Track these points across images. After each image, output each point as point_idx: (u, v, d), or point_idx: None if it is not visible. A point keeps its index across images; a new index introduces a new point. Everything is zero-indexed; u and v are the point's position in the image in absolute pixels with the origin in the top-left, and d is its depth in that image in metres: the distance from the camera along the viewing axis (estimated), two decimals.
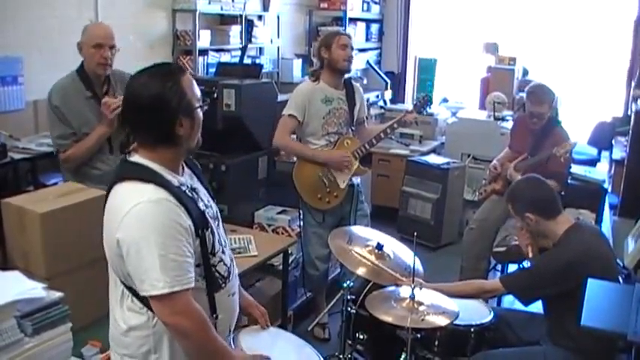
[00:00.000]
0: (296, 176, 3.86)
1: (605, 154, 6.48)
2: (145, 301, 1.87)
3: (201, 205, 1.98)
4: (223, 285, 2.03)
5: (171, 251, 1.80)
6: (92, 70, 3.28)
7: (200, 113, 1.96)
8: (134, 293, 1.89)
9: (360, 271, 2.83)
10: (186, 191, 1.94)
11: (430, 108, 4.14)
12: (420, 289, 2.65)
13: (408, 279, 2.71)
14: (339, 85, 3.84)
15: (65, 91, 3.25)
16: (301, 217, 4.00)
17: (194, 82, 1.96)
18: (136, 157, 1.94)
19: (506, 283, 2.83)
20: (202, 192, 2.06)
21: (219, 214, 2.12)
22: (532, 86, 4.20)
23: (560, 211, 2.87)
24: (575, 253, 2.69)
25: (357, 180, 3.96)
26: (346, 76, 3.87)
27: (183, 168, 2.02)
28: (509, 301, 4.60)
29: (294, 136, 3.93)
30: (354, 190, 3.93)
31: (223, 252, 2.04)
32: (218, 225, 2.07)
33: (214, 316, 1.98)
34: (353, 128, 3.93)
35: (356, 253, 2.91)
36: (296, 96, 3.83)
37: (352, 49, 3.79)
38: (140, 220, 1.80)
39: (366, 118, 4.12)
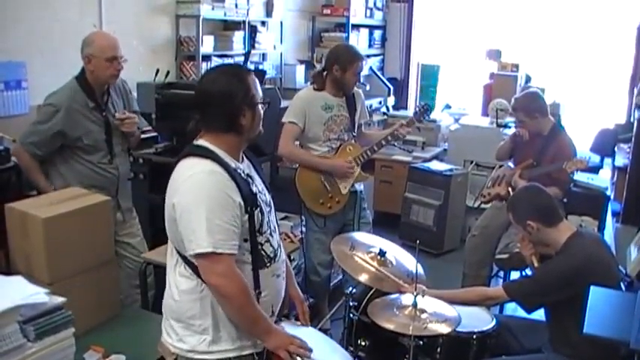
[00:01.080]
0: (298, 181, 3.86)
1: (607, 161, 6.47)
2: (194, 268, 2.07)
3: (254, 188, 2.18)
4: (268, 264, 2.20)
5: (219, 217, 1.99)
6: (101, 81, 3.29)
7: (261, 109, 2.19)
8: (186, 261, 2.09)
9: (363, 277, 2.83)
10: (242, 174, 2.14)
11: (429, 116, 4.11)
12: (423, 295, 2.65)
13: (411, 286, 2.71)
14: (339, 93, 3.84)
15: (69, 105, 3.24)
16: (303, 223, 4.00)
17: (257, 82, 2.20)
18: (201, 141, 2.16)
19: (510, 291, 2.83)
20: (258, 180, 2.27)
21: (272, 203, 2.32)
22: (516, 96, 4.37)
23: (562, 219, 2.87)
24: (578, 260, 2.69)
25: (359, 187, 3.96)
26: (361, 80, 3.89)
27: (243, 158, 2.24)
28: (512, 308, 4.59)
29: (298, 142, 3.93)
30: (357, 197, 3.93)
31: (271, 235, 2.22)
32: (270, 211, 2.26)
33: (257, 292, 2.15)
34: (354, 134, 3.92)
35: (358, 259, 2.91)
36: (295, 102, 3.85)
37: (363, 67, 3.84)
38: (193, 186, 2.03)
39: (369, 124, 4.11)
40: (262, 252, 2.17)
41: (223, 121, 2.13)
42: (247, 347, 2.16)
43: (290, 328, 2.33)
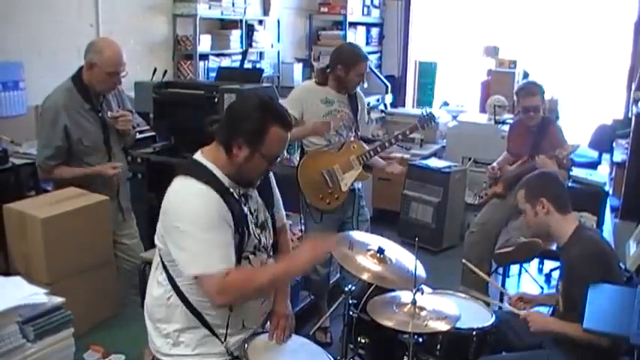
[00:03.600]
0: (300, 173, 3.85)
1: (606, 156, 6.48)
2: (169, 275, 2.11)
3: (245, 209, 2.17)
4: None
5: (210, 237, 2.00)
6: (96, 90, 3.27)
7: (262, 162, 2.11)
8: (164, 266, 2.13)
9: (362, 275, 2.82)
10: (234, 194, 2.13)
11: (434, 125, 4.10)
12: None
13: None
14: (341, 91, 3.83)
15: (66, 106, 3.23)
16: (302, 221, 3.99)
17: (284, 143, 2.14)
18: (199, 155, 2.16)
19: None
20: (255, 200, 2.25)
21: (268, 222, 2.31)
22: (520, 84, 4.37)
23: (571, 211, 2.86)
24: (597, 247, 2.71)
25: (358, 185, 3.95)
26: None
27: None
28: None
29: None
30: (356, 195, 3.93)
31: (254, 254, 2.21)
32: (262, 232, 2.26)
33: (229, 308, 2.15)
34: (357, 132, 3.91)
35: (357, 257, 2.90)
36: (293, 92, 3.90)
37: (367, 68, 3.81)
38: (182, 209, 2.03)
39: (366, 122, 4.10)
40: None
41: (224, 136, 2.11)
42: (210, 355, 2.18)
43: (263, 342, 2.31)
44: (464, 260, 3.57)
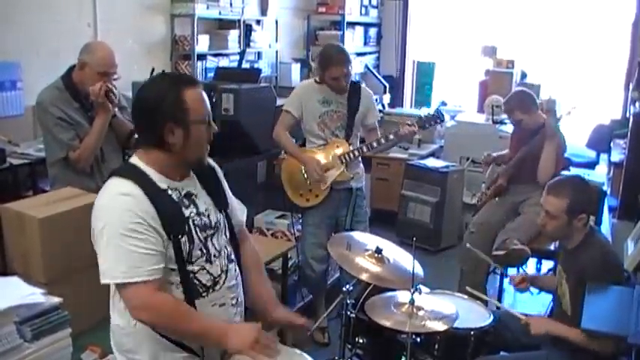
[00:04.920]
0: (282, 169, 3.92)
1: (603, 156, 6.49)
2: None
3: (187, 211, 2.00)
4: (205, 294, 2.02)
5: (129, 242, 1.84)
6: (86, 90, 3.24)
7: (200, 129, 1.96)
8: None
9: (361, 275, 2.82)
10: (172, 195, 1.97)
11: (440, 125, 4.03)
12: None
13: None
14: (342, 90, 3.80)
15: (58, 102, 3.22)
16: (295, 220, 4.01)
17: (204, 99, 1.98)
18: (133, 158, 2.01)
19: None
20: (203, 200, 2.08)
21: (221, 224, 2.13)
22: (505, 98, 4.42)
23: None
24: (610, 250, 2.75)
25: (357, 184, 3.94)
26: (357, 78, 3.86)
27: (189, 174, 2.07)
28: (510, 304, 4.60)
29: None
30: (352, 195, 3.90)
31: (209, 261, 2.03)
32: (214, 234, 2.07)
33: None
34: (350, 133, 3.84)
35: (355, 258, 2.90)
36: (294, 92, 3.90)
37: (348, 75, 3.68)
38: (104, 210, 1.89)
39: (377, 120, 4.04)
40: (196, 281, 1.99)
41: (149, 135, 1.96)
42: None
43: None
44: (468, 245, 3.60)
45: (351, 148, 3.81)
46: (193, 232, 1.99)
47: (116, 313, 2.03)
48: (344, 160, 3.78)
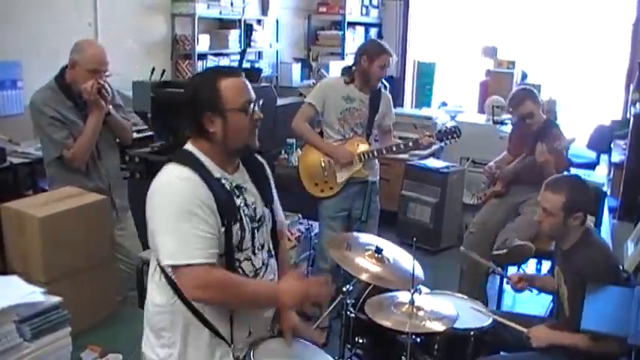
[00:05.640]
0: (301, 159, 4.05)
1: (604, 157, 6.49)
2: (171, 280, 1.98)
3: (238, 201, 2.07)
4: None
5: (190, 225, 1.90)
6: (78, 89, 3.24)
7: (237, 117, 2.01)
8: (163, 271, 2.01)
9: (361, 275, 2.82)
10: (225, 184, 2.05)
11: (456, 141, 4.09)
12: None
13: None
14: (365, 89, 3.91)
15: (52, 102, 3.22)
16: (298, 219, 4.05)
17: (243, 87, 2.04)
18: (187, 145, 2.09)
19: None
20: (251, 192, 2.16)
21: (267, 219, 2.21)
22: (509, 96, 4.34)
23: None
24: (607, 250, 2.76)
25: (374, 178, 4.03)
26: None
27: (237, 166, 2.15)
28: (509, 305, 4.60)
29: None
30: (367, 188, 3.97)
31: (254, 253, 2.11)
32: (259, 227, 2.15)
33: (230, 310, 2.05)
34: (370, 132, 3.96)
35: (355, 258, 2.89)
36: (318, 86, 4.05)
37: (392, 62, 3.88)
38: (165, 193, 1.96)
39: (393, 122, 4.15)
40: (240, 270, 2.07)
41: (191, 124, 2.05)
42: None
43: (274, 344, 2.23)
44: (462, 248, 3.60)
45: (371, 147, 3.92)
46: (244, 221, 2.07)
47: (155, 290, 2.08)
48: (363, 158, 3.88)
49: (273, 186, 2.34)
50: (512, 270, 4.26)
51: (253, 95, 2.07)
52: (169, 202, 1.93)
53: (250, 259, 2.10)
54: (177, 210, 1.91)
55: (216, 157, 2.06)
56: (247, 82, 2.09)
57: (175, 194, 1.93)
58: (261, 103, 2.09)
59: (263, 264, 2.15)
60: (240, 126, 2.03)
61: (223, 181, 2.05)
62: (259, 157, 2.30)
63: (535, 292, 3.26)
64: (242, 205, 2.08)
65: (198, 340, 2.05)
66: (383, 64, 3.81)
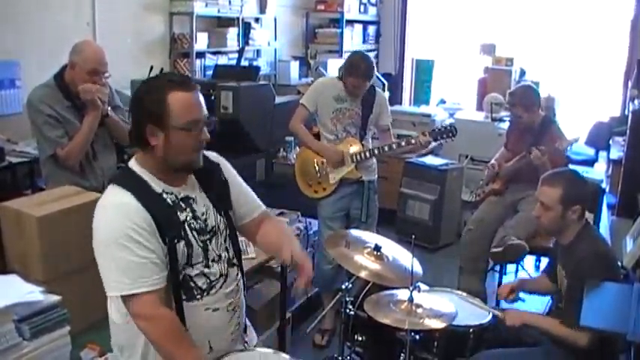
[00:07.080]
0: (297, 159, 4.10)
1: (602, 154, 6.48)
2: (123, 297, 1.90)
3: (183, 215, 1.97)
4: (199, 297, 2.00)
5: (130, 253, 1.83)
6: (76, 90, 3.23)
7: (181, 135, 1.89)
8: None
9: (360, 273, 2.82)
10: (167, 199, 1.95)
11: (452, 140, 4.08)
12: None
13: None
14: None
15: (49, 100, 3.21)
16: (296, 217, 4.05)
17: (192, 104, 1.91)
18: (131, 161, 2.01)
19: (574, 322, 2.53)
20: (202, 203, 2.05)
21: (220, 227, 2.09)
22: (511, 89, 4.42)
23: None
24: (605, 245, 2.76)
25: (371, 177, 4.02)
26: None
27: (185, 178, 2.03)
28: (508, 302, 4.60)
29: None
30: (365, 187, 3.97)
31: (207, 266, 2.02)
32: (211, 239, 2.05)
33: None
34: (364, 132, 3.94)
35: (354, 255, 2.90)
36: (312, 87, 4.05)
37: (365, 88, 3.82)
38: (98, 220, 1.89)
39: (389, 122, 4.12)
40: (192, 284, 1.98)
41: (134, 134, 1.94)
42: None
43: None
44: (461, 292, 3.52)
45: (364, 148, 3.90)
46: (190, 235, 1.97)
47: (112, 308, 2.03)
48: (355, 159, 3.88)
49: (235, 181, 2.22)
50: (511, 268, 4.28)
51: (203, 114, 1.95)
52: (107, 232, 1.86)
53: (203, 272, 2.01)
54: (115, 239, 1.83)
55: (159, 170, 1.96)
56: (200, 98, 1.96)
57: (108, 223, 1.86)
58: (213, 123, 2.00)
59: (220, 275, 2.05)
60: (182, 144, 1.91)
61: (165, 195, 1.95)
62: (215, 158, 2.18)
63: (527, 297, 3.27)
64: (188, 218, 1.98)
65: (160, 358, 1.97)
66: (356, 86, 3.78)
